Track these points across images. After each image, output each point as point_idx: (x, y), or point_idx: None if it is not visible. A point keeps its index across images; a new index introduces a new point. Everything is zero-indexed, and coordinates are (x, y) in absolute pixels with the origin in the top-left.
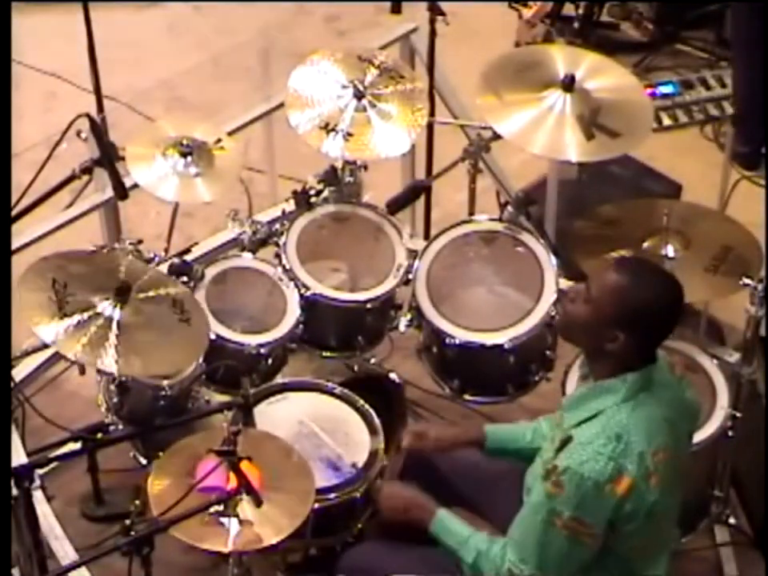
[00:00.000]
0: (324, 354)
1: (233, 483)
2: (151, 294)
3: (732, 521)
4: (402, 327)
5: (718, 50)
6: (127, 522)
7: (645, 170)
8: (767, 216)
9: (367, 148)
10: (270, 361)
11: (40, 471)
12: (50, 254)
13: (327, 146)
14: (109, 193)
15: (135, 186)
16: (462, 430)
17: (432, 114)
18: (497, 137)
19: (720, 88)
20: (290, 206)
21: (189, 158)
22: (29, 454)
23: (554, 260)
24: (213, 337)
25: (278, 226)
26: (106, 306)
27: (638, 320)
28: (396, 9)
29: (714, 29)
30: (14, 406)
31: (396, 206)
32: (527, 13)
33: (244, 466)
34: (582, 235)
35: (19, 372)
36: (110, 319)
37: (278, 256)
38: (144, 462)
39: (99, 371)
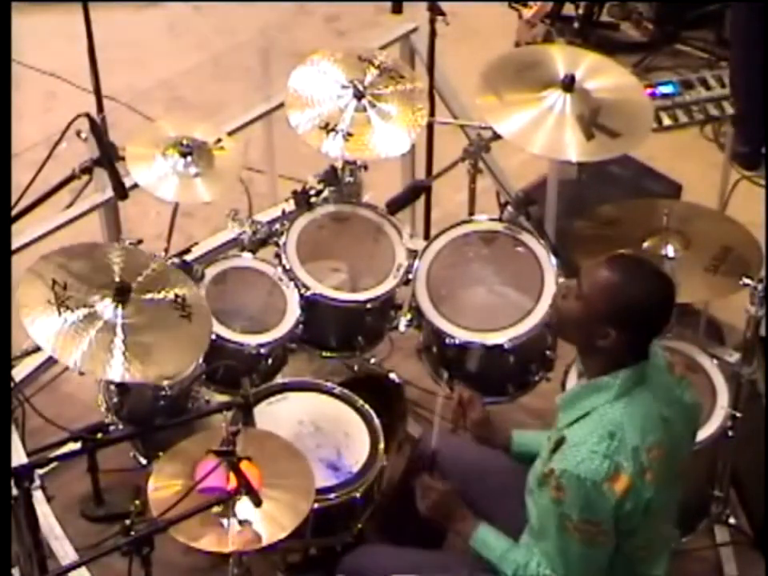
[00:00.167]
0: (324, 354)
1: (232, 483)
2: (152, 292)
3: (732, 521)
4: (401, 327)
5: (718, 50)
6: (127, 522)
7: (645, 169)
8: (767, 216)
9: (367, 148)
10: (270, 361)
11: (40, 471)
12: (50, 251)
13: (327, 146)
14: (109, 193)
15: (135, 186)
16: (492, 434)
17: (432, 114)
18: (497, 137)
19: (720, 88)
20: (290, 206)
21: (189, 158)
22: (29, 454)
23: (553, 260)
24: (213, 337)
25: (277, 225)
26: (105, 307)
27: (628, 317)
28: (396, 9)
29: (714, 29)
30: (14, 406)
31: (396, 206)
32: (527, 13)
33: (244, 465)
34: (582, 235)
35: (19, 372)
36: (108, 323)
37: (277, 256)
38: (144, 461)
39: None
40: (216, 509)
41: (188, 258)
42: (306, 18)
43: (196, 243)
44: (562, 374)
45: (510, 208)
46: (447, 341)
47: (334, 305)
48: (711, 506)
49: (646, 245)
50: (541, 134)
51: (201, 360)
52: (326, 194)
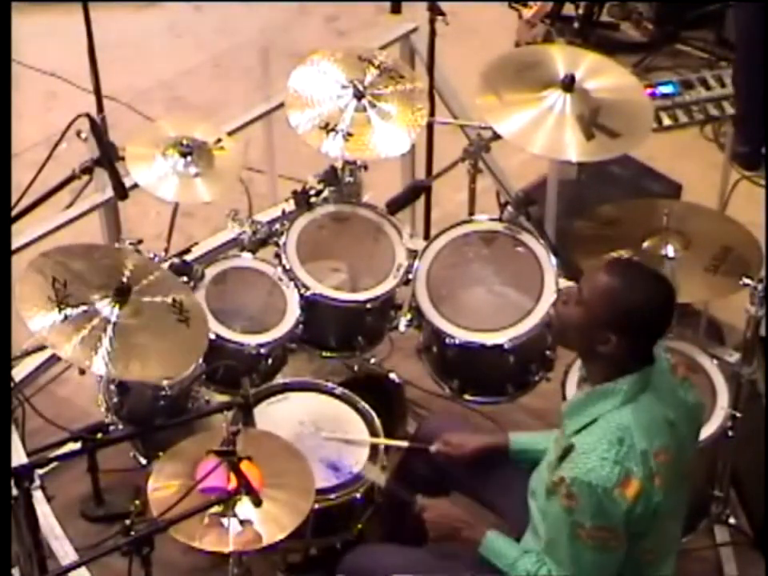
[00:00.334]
0: (324, 354)
1: (233, 483)
2: (151, 295)
3: (732, 521)
4: (401, 327)
5: (718, 50)
6: (127, 522)
7: (645, 169)
8: (767, 216)
9: (367, 148)
10: (270, 361)
11: (40, 471)
12: (50, 249)
13: (327, 146)
14: (109, 193)
15: (135, 186)
16: (487, 441)
17: (432, 114)
18: (497, 137)
19: (720, 88)
20: (290, 206)
21: (189, 158)
22: (29, 454)
23: (553, 260)
24: (213, 337)
25: (277, 225)
26: (104, 306)
27: (629, 322)
28: (396, 9)
29: (714, 29)
30: (14, 406)
31: (396, 205)
32: (527, 13)
33: (244, 465)
34: (582, 235)
35: (19, 372)
36: (107, 320)
37: (277, 256)
38: (144, 461)
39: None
40: (216, 509)
41: (188, 257)
42: (306, 18)
43: (196, 243)
44: (562, 374)
45: (509, 208)
46: (447, 341)
47: (333, 305)
48: (711, 506)
49: (645, 245)
50: (541, 133)
51: (201, 360)
52: (326, 194)
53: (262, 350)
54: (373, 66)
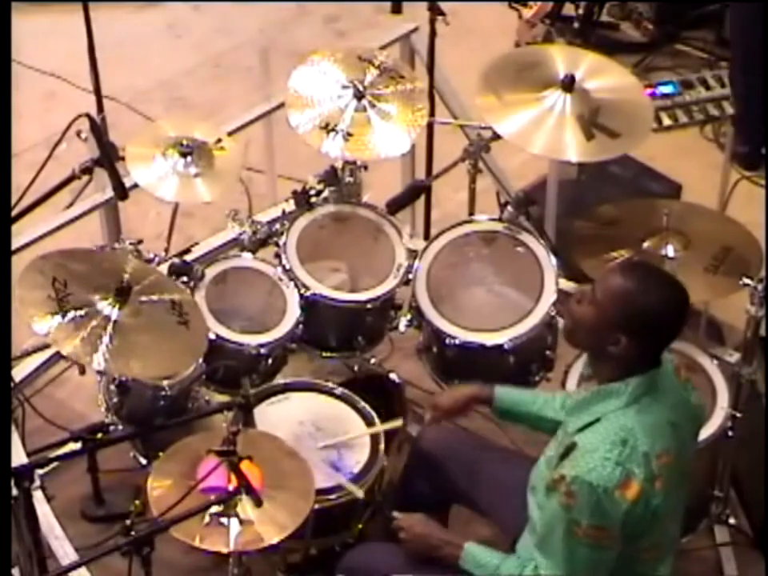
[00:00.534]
0: (324, 354)
1: (233, 483)
2: (151, 296)
3: (732, 521)
4: (401, 327)
5: (718, 50)
6: (127, 522)
7: (645, 169)
8: (767, 216)
9: (367, 148)
10: (270, 361)
11: (40, 471)
12: (49, 251)
13: (327, 146)
14: (109, 193)
15: (135, 186)
16: (472, 390)
17: (432, 114)
18: (497, 137)
19: (720, 88)
20: (290, 206)
21: (189, 158)
22: (29, 454)
23: (553, 260)
24: (213, 337)
25: (277, 226)
26: (104, 306)
27: (640, 325)
28: (396, 9)
29: (714, 29)
30: (13, 406)
31: (396, 205)
32: (527, 13)
33: (244, 465)
34: (582, 235)
35: (19, 372)
36: (107, 318)
37: (277, 256)
38: (144, 461)
39: (99, 371)
40: (216, 509)
41: (188, 258)
42: (306, 17)
43: (196, 243)
44: (562, 374)
45: (509, 208)
46: (447, 341)
47: (333, 305)
48: (711, 505)
49: (645, 245)
50: (541, 134)
51: (201, 360)
52: (326, 194)
53: (262, 350)
54: (373, 66)
